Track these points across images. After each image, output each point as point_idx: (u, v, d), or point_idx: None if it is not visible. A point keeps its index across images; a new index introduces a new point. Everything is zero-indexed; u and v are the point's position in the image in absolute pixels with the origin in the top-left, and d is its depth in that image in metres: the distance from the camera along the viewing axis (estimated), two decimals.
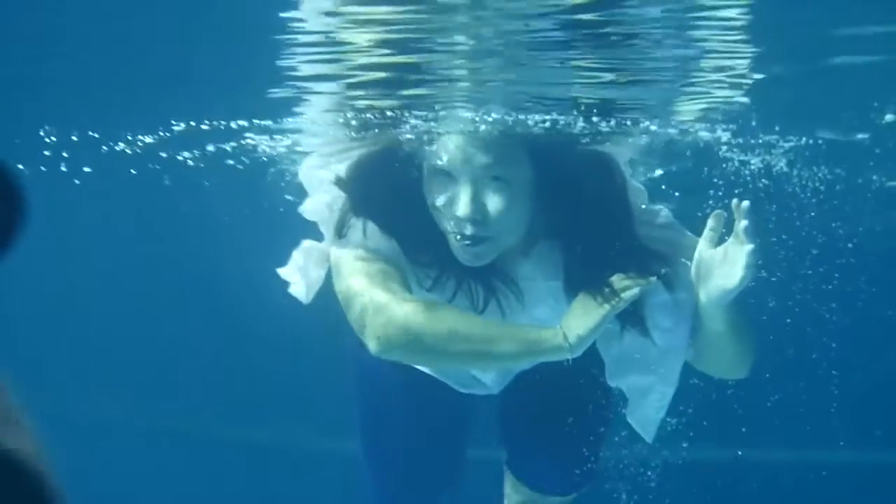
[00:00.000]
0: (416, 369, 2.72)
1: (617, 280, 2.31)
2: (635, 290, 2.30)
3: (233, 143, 3.80)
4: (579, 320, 2.29)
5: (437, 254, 2.48)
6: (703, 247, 2.33)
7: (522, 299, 2.53)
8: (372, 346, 2.37)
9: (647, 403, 2.60)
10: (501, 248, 2.43)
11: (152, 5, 2.52)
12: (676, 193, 3.19)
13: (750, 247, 2.18)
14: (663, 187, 3.38)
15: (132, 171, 4.21)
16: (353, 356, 2.81)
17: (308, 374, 5.08)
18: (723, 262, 2.26)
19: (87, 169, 4.23)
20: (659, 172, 3.78)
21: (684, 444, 3.00)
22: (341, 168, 2.54)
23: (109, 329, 5.84)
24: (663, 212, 2.53)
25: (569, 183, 2.39)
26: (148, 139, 3.84)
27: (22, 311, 5.84)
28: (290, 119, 3.44)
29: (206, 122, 3.57)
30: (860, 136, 3.96)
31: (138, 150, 3.94)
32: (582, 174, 2.42)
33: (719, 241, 2.32)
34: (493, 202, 2.34)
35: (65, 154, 3.98)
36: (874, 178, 4.72)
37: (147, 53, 2.98)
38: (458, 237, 2.38)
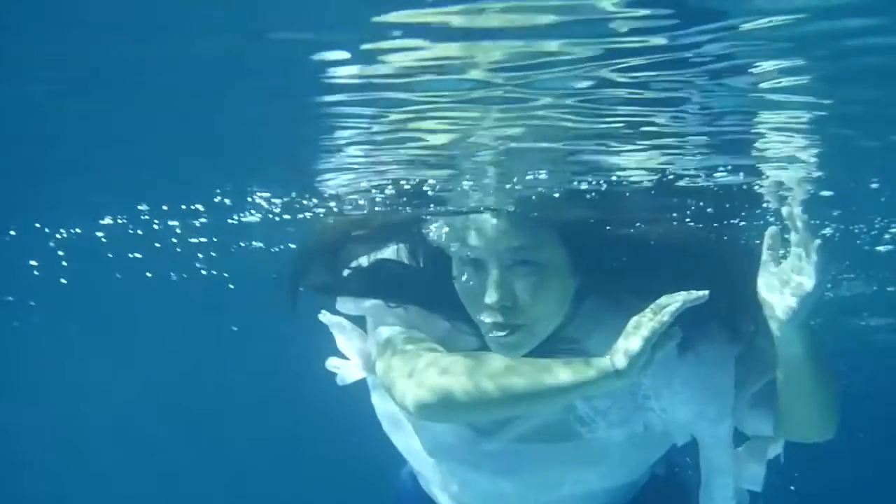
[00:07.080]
0: None
1: (663, 298, 2.06)
2: (678, 304, 2.02)
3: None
4: (625, 343, 2.05)
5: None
6: (765, 270, 2.15)
7: (588, 349, 2.29)
8: (411, 406, 2.24)
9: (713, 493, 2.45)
10: (540, 337, 2.27)
11: None
12: None
13: (817, 242, 2.03)
14: None
15: None
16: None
17: None
18: (790, 277, 2.10)
19: None
20: None
21: None
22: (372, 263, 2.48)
23: None
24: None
25: (626, 261, 2.24)
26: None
27: None
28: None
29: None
30: None
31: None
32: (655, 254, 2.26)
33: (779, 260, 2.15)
34: (523, 288, 2.21)
35: None
36: None
37: None
38: (489, 327, 2.24)
